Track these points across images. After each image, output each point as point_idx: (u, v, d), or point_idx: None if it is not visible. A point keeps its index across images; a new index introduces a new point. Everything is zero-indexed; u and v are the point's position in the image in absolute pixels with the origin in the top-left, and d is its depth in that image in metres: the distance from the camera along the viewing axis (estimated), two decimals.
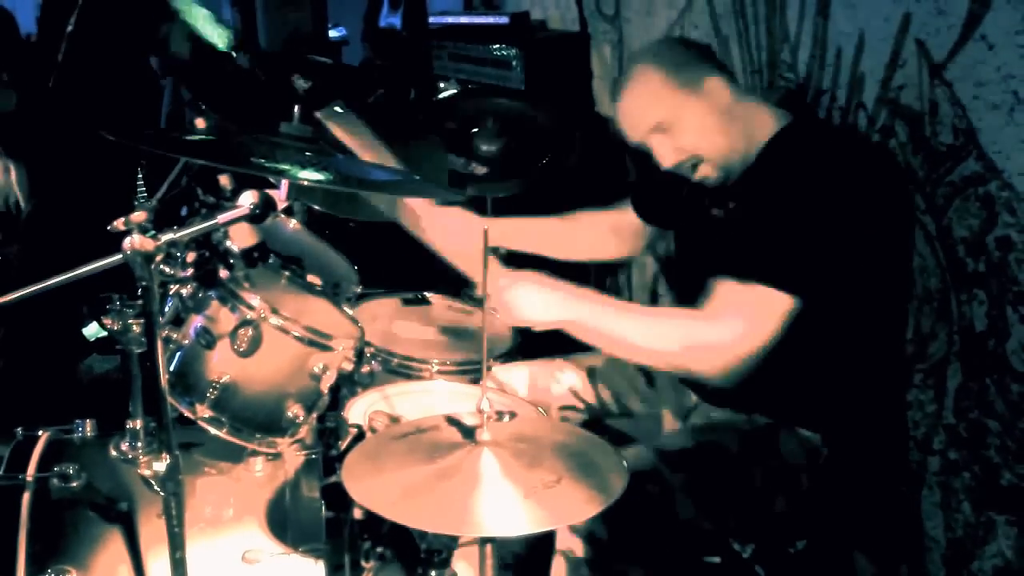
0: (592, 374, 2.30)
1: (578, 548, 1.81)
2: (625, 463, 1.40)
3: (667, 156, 2.00)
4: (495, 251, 2.35)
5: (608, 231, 2.46)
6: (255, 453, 1.90)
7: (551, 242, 2.44)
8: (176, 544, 1.46)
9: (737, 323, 1.82)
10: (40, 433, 1.91)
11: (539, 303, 1.90)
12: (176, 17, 3.52)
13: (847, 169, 1.88)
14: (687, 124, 1.97)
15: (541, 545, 1.88)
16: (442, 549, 1.57)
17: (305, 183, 1.88)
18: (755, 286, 1.80)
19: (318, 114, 2.26)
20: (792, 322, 1.85)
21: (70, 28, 3.44)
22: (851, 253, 1.84)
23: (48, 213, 3.52)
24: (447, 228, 2.34)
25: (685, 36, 3.14)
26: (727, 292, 1.83)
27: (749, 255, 1.84)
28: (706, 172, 2.00)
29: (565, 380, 2.29)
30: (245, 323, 1.77)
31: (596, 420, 2.26)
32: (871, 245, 1.87)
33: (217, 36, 3.53)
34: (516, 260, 2.40)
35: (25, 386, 3.29)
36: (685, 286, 2.11)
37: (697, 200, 2.12)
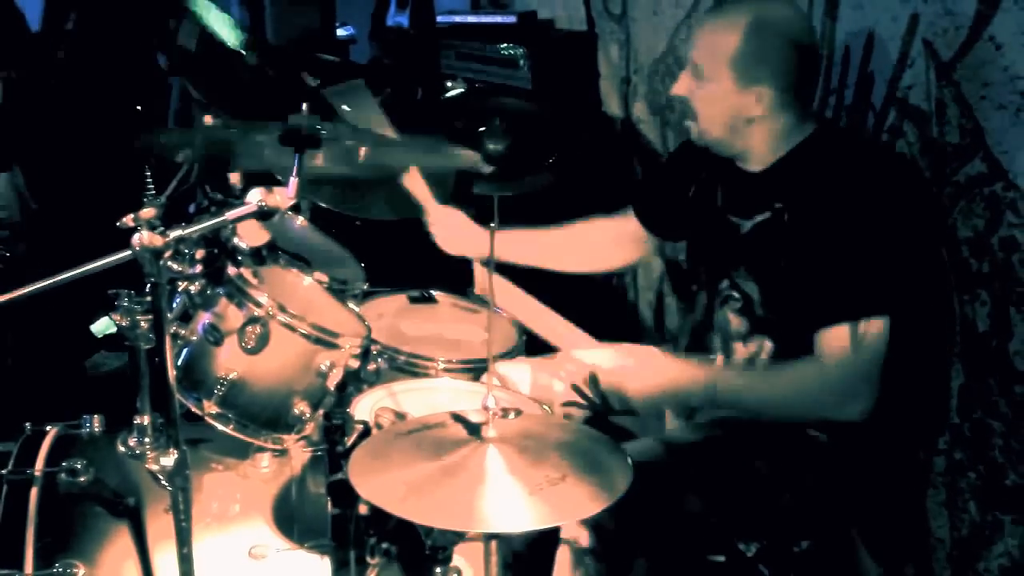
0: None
1: (584, 538, 1.82)
2: (630, 460, 1.41)
3: (680, 85, 1.98)
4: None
5: (610, 241, 2.42)
6: (262, 449, 1.90)
7: (551, 254, 2.43)
8: (183, 539, 1.47)
9: (847, 361, 1.81)
10: (48, 428, 1.92)
11: (645, 374, 1.93)
12: (187, 13, 3.52)
13: (882, 178, 1.88)
14: (712, 95, 1.93)
15: (543, 543, 1.88)
16: (447, 545, 1.57)
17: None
18: (851, 324, 1.80)
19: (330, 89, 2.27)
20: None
21: (70, 26, 3.44)
22: (905, 258, 1.86)
23: (54, 212, 3.52)
24: (450, 227, 2.39)
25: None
26: (831, 339, 1.83)
27: (829, 293, 1.83)
28: (692, 127, 2.00)
29: (567, 376, 2.29)
30: (253, 320, 1.78)
31: (599, 417, 2.26)
32: (916, 248, 1.90)
33: (229, 35, 3.53)
34: (515, 273, 2.42)
35: (33, 382, 3.30)
36: (695, 293, 2.10)
37: (710, 205, 2.11)
